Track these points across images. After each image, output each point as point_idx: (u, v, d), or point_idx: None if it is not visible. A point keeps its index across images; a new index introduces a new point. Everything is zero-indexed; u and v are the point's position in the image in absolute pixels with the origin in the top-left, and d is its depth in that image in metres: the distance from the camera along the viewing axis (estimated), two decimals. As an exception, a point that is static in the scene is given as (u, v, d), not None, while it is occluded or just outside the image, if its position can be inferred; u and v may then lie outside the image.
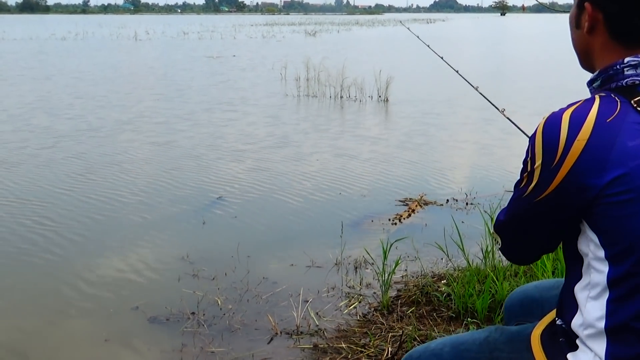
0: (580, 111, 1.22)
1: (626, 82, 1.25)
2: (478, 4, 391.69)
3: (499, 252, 1.49)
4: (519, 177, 1.34)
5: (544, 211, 1.29)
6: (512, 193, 1.38)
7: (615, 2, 1.25)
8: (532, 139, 1.27)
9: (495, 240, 1.47)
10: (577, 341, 1.33)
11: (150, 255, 4.23)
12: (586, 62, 1.37)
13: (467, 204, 5.25)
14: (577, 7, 1.34)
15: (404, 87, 12.92)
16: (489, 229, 3.64)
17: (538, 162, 1.24)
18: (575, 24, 1.35)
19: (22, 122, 9.35)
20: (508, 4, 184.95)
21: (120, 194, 5.59)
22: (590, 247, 1.27)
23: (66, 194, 5.57)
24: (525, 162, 1.30)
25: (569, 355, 1.33)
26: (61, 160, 6.82)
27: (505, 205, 1.44)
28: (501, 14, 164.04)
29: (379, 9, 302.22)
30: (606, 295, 1.25)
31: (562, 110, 1.25)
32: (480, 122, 9.40)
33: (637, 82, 1.24)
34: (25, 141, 7.81)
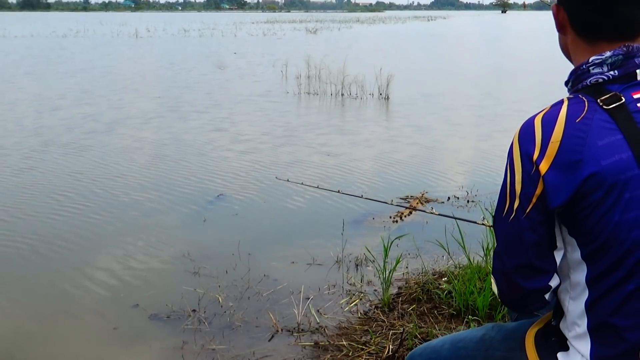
0: (551, 114, 1.24)
1: (590, 81, 1.26)
2: (479, 2, 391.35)
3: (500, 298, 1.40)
4: (496, 209, 1.33)
5: (535, 224, 1.25)
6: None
7: None
8: (509, 152, 1.28)
9: (495, 292, 1.38)
10: (568, 342, 1.35)
11: (151, 252, 4.23)
12: (570, 61, 1.39)
13: (468, 201, 5.25)
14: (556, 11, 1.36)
15: (404, 84, 12.90)
16: (490, 227, 3.63)
17: (518, 173, 1.24)
18: (557, 27, 1.37)
19: (67, 112, 10.07)
20: (509, 2, 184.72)
21: (121, 191, 5.59)
22: (568, 249, 1.28)
23: (65, 192, 5.57)
24: (504, 184, 1.29)
25: (559, 355, 1.34)
26: (60, 157, 6.82)
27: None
28: (502, 12, 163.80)
29: (379, 7, 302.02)
30: (585, 295, 1.27)
31: (534, 116, 1.27)
32: (481, 120, 9.39)
33: (601, 80, 1.25)
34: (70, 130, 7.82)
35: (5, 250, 4.27)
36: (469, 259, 3.46)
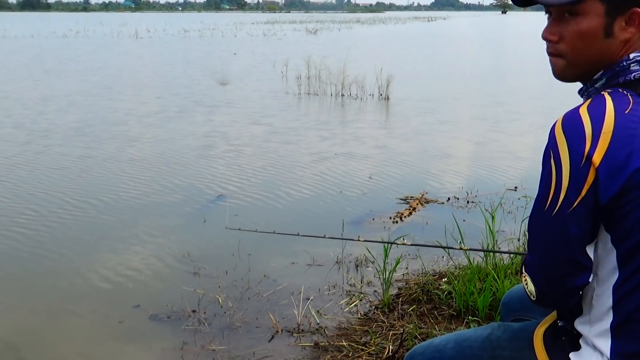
0: (596, 106, 1.23)
1: (634, 76, 1.27)
2: (479, 2, 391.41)
3: (531, 297, 1.36)
4: (535, 203, 1.29)
5: (580, 218, 1.22)
6: (532, 209, 1.31)
7: None
8: (551, 144, 1.25)
9: (528, 290, 1.34)
10: (580, 341, 1.34)
11: (151, 253, 4.23)
12: (592, 68, 1.33)
13: (468, 202, 5.24)
14: (607, 16, 1.30)
15: (405, 85, 12.90)
16: (489, 227, 3.64)
17: (565, 165, 1.21)
18: (605, 34, 1.30)
19: (99, 107, 10.73)
20: (509, 2, 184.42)
21: (121, 191, 5.59)
22: (599, 245, 1.27)
23: (65, 192, 5.57)
24: (546, 177, 1.25)
25: (571, 355, 1.34)
26: (56, 156, 6.83)
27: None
28: (502, 12, 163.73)
29: (380, 7, 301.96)
30: (611, 293, 1.26)
31: (576, 109, 1.25)
32: (480, 120, 9.39)
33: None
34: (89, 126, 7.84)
35: (7, 248, 4.27)
36: (469, 260, 3.46)
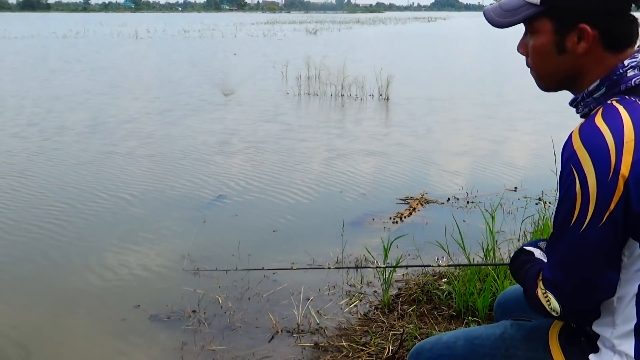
0: (611, 116, 1.23)
1: (634, 82, 1.28)
2: (479, 3, 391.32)
3: (549, 308, 1.31)
4: (559, 220, 1.26)
5: (610, 233, 1.20)
6: (557, 231, 1.28)
7: (609, 14, 1.29)
8: (572, 160, 1.22)
9: (550, 307, 1.30)
10: (598, 343, 1.32)
11: (151, 253, 4.23)
12: (569, 83, 1.39)
13: (468, 202, 5.24)
14: (555, 34, 1.34)
15: (404, 85, 12.90)
16: (489, 227, 3.64)
17: (592, 180, 1.19)
18: (557, 50, 1.35)
19: (99, 105, 10.90)
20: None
21: (121, 191, 5.59)
22: (625, 253, 1.25)
23: (66, 192, 5.57)
24: (570, 194, 1.22)
25: (591, 357, 1.32)
26: (70, 154, 6.83)
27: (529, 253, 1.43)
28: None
29: (380, 8, 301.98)
30: (635, 296, 1.25)
31: (591, 121, 1.24)
32: (480, 120, 9.39)
33: (638, 81, 1.29)
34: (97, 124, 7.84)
35: (8, 248, 4.27)
36: (469, 260, 3.46)
